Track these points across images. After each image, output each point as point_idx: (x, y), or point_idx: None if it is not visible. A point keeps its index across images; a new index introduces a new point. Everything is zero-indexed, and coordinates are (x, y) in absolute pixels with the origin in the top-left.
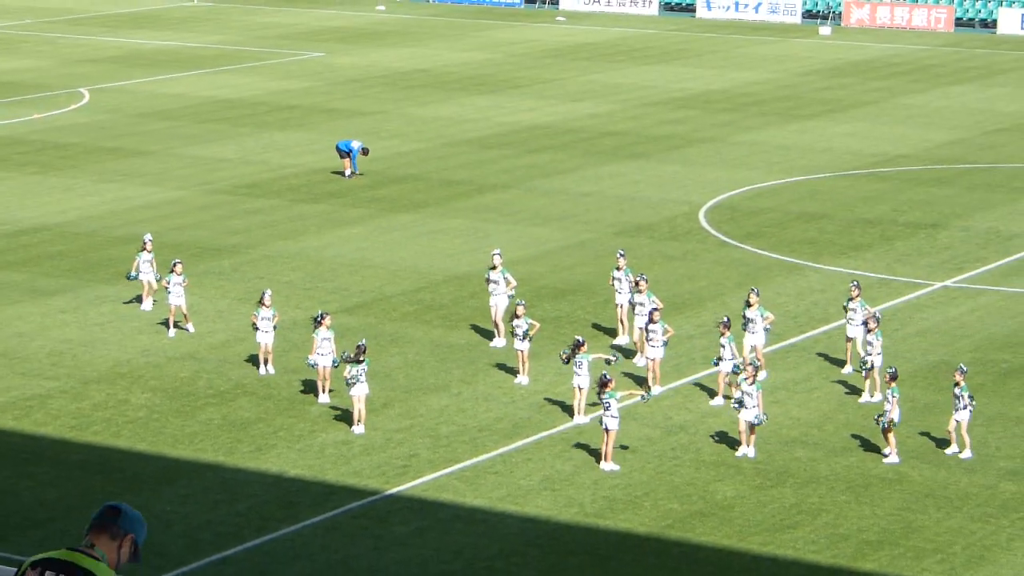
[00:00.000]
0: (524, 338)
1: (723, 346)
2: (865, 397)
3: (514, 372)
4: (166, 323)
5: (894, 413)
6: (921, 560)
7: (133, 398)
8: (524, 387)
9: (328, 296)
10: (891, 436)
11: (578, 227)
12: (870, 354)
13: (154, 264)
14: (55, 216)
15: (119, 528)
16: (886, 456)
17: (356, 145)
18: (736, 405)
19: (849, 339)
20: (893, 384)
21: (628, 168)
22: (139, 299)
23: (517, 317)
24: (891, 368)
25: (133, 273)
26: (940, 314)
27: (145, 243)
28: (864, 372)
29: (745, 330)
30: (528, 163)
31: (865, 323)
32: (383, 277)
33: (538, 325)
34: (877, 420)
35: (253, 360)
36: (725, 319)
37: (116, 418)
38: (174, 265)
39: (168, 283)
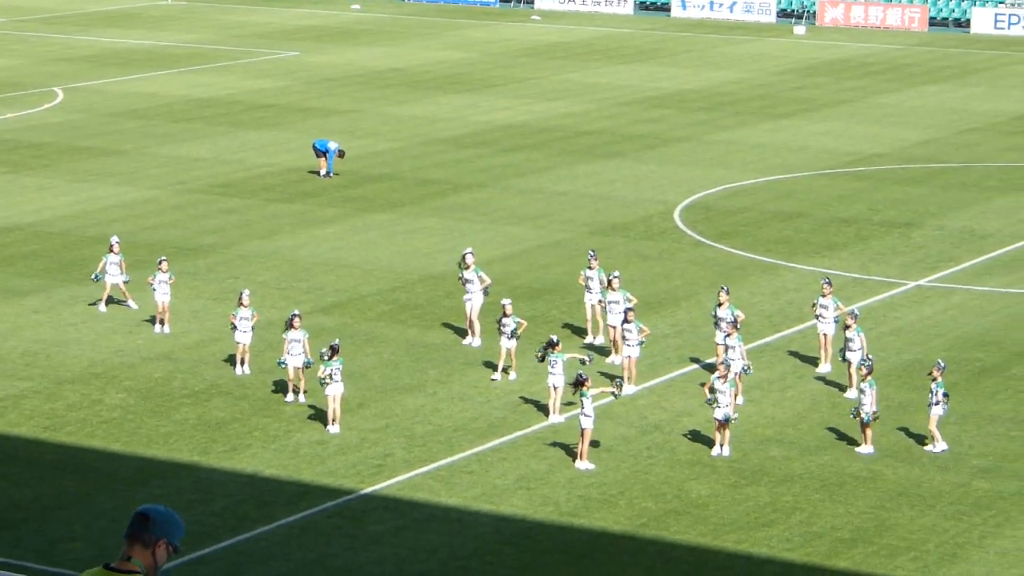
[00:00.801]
0: (512, 336)
1: (732, 347)
2: (851, 393)
3: (493, 368)
4: (152, 320)
5: (873, 406)
6: (894, 558)
7: (107, 398)
8: (501, 386)
9: (303, 296)
10: (868, 431)
11: (553, 226)
12: (852, 350)
13: (122, 266)
14: (28, 216)
15: (150, 535)
16: (859, 449)
17: (333, 146)
18: (710, 401)
19: (823, 335)
20: (869, 377)
21: (603, 167)
22: (117, 301)
23: (505, 316)
24: (868, 361)
25: (98, 274)
26: (914, 313)
27: (112, 245)
28: (866, 369)
29: (716, 328)
30: (503, 162)
31: (837, 320)
32: (358, 277)
33: (525, 324)
34: (854, 415)
35: (228, 360)
36: (733, 319)
37: (90, 418)
38: (160, 263)
39: (154, 280)
